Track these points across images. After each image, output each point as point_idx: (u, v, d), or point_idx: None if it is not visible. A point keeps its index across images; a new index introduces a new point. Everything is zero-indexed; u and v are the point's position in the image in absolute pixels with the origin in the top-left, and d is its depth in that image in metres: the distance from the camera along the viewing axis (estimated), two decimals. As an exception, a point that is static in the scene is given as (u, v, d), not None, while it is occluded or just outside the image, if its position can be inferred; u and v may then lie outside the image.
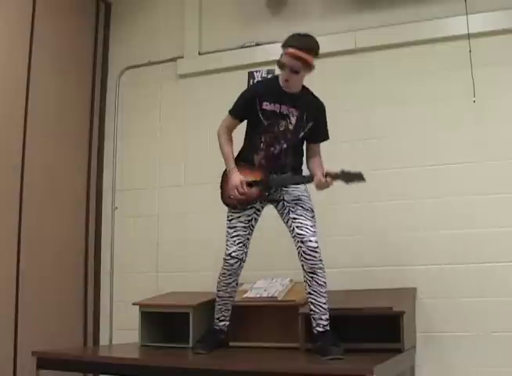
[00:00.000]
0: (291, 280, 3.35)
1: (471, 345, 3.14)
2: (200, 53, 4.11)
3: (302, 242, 2.71)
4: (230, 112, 2.90)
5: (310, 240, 2.71)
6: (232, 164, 2.85)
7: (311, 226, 2.75)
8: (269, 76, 3.77)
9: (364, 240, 3.46)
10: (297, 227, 2.75)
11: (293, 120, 2.81)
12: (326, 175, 2.74)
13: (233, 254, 2.82)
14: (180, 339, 3.20)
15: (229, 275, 2.87)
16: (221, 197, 2.91)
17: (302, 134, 2.85)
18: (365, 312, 2.90)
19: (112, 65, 4.36)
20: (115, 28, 4.41)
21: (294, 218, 2.78)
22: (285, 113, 2.80)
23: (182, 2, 4.21)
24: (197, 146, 3.94)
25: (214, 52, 4.05)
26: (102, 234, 4.16)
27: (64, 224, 3.86)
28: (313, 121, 2.85)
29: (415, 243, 3.35)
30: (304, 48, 2.66)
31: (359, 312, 2.91)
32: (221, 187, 2.92)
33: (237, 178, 2.80)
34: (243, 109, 2.86)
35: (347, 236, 3.47)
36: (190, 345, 3.10)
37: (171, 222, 3.98)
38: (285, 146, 2.82)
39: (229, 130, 2.91)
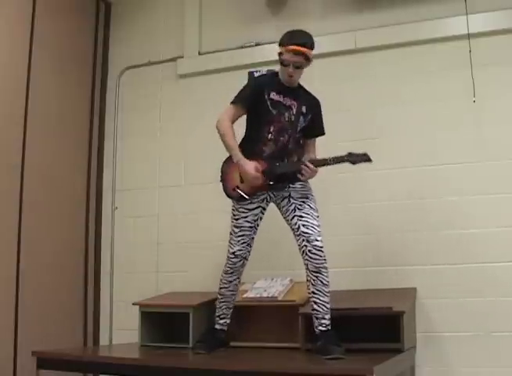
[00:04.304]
0: (291, 280, 3.35)
1: (471, 345, 3.14)
2: (199, 53, 4.11)
3: (308, 241, 2.72)
4: (235, 101, 2.86)
5: (316, 240, 2.72)
6: (240, 155, 2.78)
7: (318, 226, 2.76)
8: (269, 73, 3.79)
9: (364, 240, 3.46)
10: (303, 225, 2.75)
11: (295, 111, 2.85)
12: (313, 162, 2.76)
13: (237, 253, 2.84)
14: (180, 339, 3.20)
15: (232, 273, 2.88)
16: (225, 190, 2.86)
17: (303, 125, 2.87)
18: (365, 312, 2.90)
19: (112, 65, 4.36)
20: (115, 28, 4.41)
21: (301, 216, 2.77)
22: (288, 104, 2.86)
23: (181, 2, 4.21)
24: (197, 146, 3.94)
25: (214, 52, 4.05)
26: (102, 234, 4.16)
27: (64, 224, 3.86)
28: (311, 114, 2.89)
29: (415, 243, 3.35)
30: (303, 43, 2.76)
31: (359, 312, 2.91)
32: (223, 180, 2.87)
33: (249, 167, 2.73)
34: (250, 97, 2.85)
35: (347, 236, 3.47)
36: (190, 345, 3.10)
37: (171, 222, 3.97)
38: (291, 136, 2.83)
39: (231, 120, 2.84)
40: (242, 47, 3.97)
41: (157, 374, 2.63)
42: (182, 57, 4.13)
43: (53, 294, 3.68)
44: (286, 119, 2.83)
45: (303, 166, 2.73)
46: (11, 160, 3.47)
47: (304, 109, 2.88)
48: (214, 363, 2.61)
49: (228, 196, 2.86)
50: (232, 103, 2.87)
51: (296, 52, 2.74)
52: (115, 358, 2.91)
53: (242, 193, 2.79)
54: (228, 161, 2.85)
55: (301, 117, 2.86)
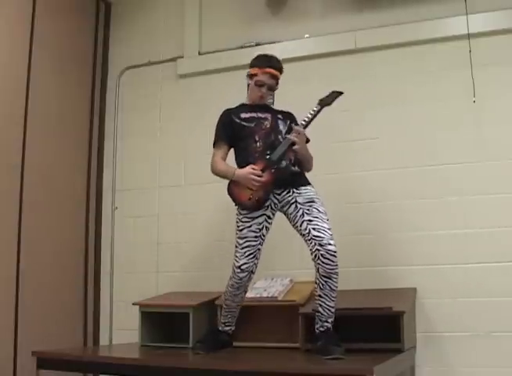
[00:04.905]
0: (291, 280, 3.35)
1: (471, 345, 3.14)
2: (200, 53, 4.11)
3: (321, 245, 2.65)
4: (215, 143, 2.95)
5: (329, 244, 2.65)
6: (232, 168, 2.84)
7: (329, 229, 2.70)
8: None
9: (364, 240, 3.46)
10: (313, 229, 2.69)
11: (270, 119, 2.94)
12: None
13: (243, 266, 2.78)
14: (180, 339, 3.20)
15: (238, 288, 2.84)
16: (244, 207, 2.79)
17: (286, 130, 2.93)
18: (365, 312, 2.90)
19: (112, 65, 4.36)
20: (115, 28, 4.41)
21: (310, 220, 2.72)
22: (263, 116, 2.94)
23: (181, 2, 4.21)
24: (197, 146, 3.94)
25: (214, 52, 4.05)
26: (102, 234, 4.16)
27: (64, 224, 3.85)
28: (289, 121, 2.98)
29: (415, 243, 3.35)
30: (279, 68, 2.97)
31: (359, 312, 2.91)
32: (236, 201, 2.82)
33: (244, 170, 2.77)
34: (225, 131, 2.94)
35: (347, 236, 3.46)
36: (190, 345, 3.10)
37: (171, 222, 3.97)
38: (277, 136, 2.88)
39: (222, 159, 2.91)
40: (242, 47, 3.97)
41: (157, 374, 2.63)
42: (182, 57, 4.13)
43: (53, 294, 3.68)
44: (268, 125, 2.90)
45: (291, 134, 2.78)
46: (11, 160, 3.47)
47: (280, 116, 2.97)
48: (214, 363, 2.61)
49: (248, 208, 2.78)
50: (213, 146, 2.95)
51: (272, 75, 2.92)
52: (115, 358, 2.91)
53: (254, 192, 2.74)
54: (231, 184, 2.83)
55: (280, 121, 2.94)
